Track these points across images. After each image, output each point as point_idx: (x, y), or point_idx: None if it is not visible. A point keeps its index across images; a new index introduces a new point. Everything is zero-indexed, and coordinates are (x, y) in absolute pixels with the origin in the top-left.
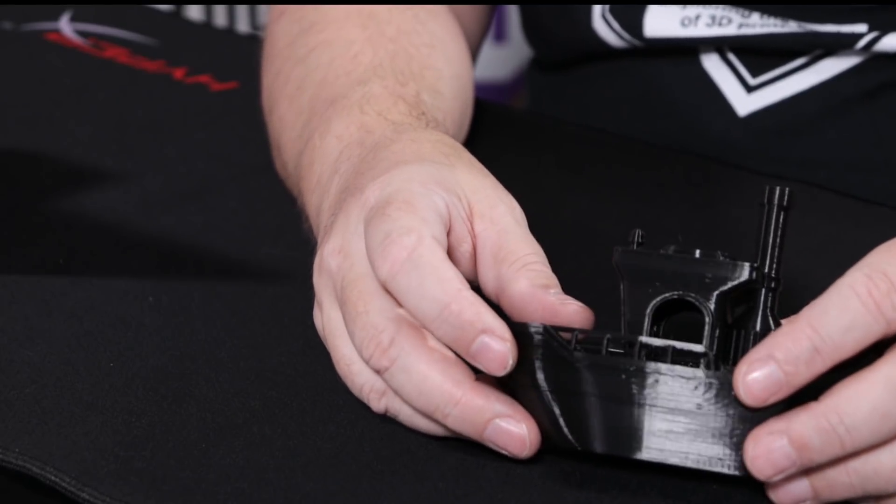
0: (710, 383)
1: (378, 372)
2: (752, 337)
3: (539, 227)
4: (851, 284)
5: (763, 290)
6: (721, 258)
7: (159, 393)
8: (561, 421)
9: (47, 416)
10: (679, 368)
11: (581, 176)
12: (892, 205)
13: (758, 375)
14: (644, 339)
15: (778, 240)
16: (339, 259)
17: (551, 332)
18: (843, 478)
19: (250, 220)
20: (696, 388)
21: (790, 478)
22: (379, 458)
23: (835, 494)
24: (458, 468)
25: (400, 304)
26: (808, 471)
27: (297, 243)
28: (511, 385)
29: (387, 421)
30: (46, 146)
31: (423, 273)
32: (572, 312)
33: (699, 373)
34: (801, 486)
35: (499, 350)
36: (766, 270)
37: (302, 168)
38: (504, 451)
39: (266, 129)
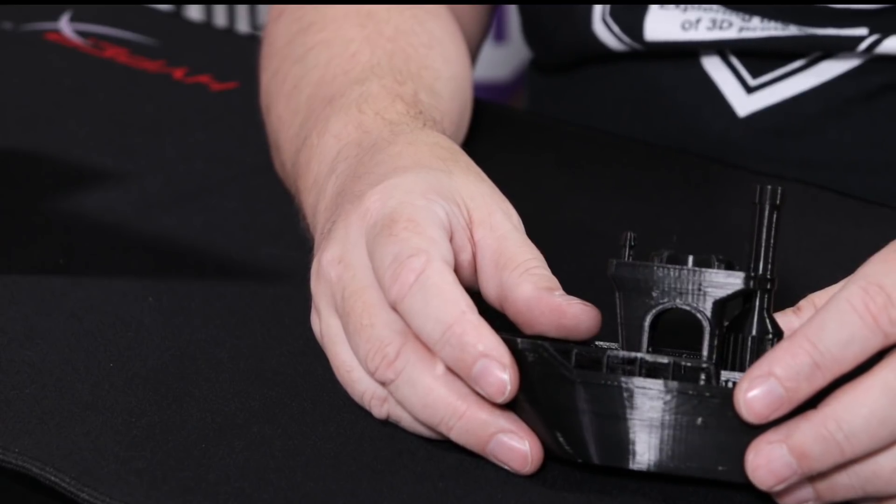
0: (711, 399)
1: (383, 384)
2: (749, 342)
3: (538, 227)
4: (848, 298)
5: (758, 292)
6: (716, 263)
7: (159, 393)
8: (559, 436)
9: (47, 416)
10: (678, 385)
11: (581, 176)
12: (892, 205)
13: (758, 393)
14: (643, 355)
15: (771, 239)
16: (339, 269)
17: (549, 349)
18: (844, 479)
19: (250, 220)
20: (696, 403)
21: None
22: (379, 458)
23: (836, 495)
24: (458, 468)
25: (407, 324)
26: None
27: (297, 243)
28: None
29: (387, 421)
30: (46, 146)
31: (428, 295)
32: (579, 312)
33: (699, 389)
34: (804, 486)
35: (498, 376)
36: (761, 271)
37: (299, 167)
38: (506, 466)
39: (265, 128)
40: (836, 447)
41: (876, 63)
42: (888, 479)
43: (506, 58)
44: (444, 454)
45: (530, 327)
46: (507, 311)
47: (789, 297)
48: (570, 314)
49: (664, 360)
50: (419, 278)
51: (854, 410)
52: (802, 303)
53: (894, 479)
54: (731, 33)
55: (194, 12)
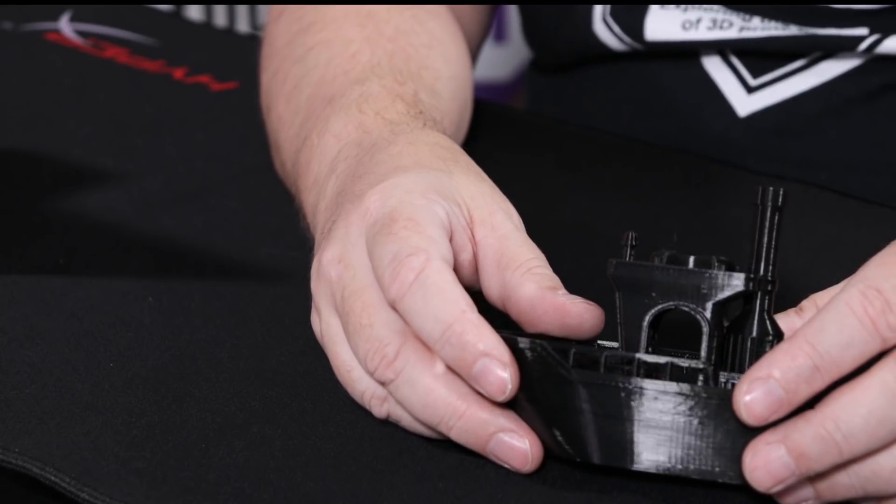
0: (709, 400)
1: (382, 384)
2: (748, 343)
3: (539, 227)
4: (847, 302)
5: (759, 294)
6: (716, 264)
7: (159, 393)
8: (558, 434)
9: (47, 416)
10: (676, 385)
11: (581, 176)
12: (892, 205)
13: (758, 395)
14: (641, 356)
15: (772, 241)
16: (339, 269)
17: (547, 348)
18: (844, 479)
19: (250, 220)
20: (693, 404)
21: None
22: (379, 458)
23: (836, 495)
24: (458, 468)
25: (407, 322)
26: None
27: (297, 243)
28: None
29: (387, 421)
30: (46, 146)
31: (428, 294)
32: (583, 311)
33: (697, 390)
34: (804, 487)
35: (499, 375)
36: (762, 273)
37: (299, 166)
38: (506, 465)
39: (265, 128)
40: (834, 447)
41: (876, 63)
42: (888, 478)
43: (506, 58)
44: (444, 454)
45: (533, 326)
46: (509, 311)
47: (790, 297)
48: (574, 313)
49: (662, 360)
50: (419, 277)
51: (852, 410)
52: (805, 303)
53: (894, 478)
54: (731, 33)
55: (194, 12)
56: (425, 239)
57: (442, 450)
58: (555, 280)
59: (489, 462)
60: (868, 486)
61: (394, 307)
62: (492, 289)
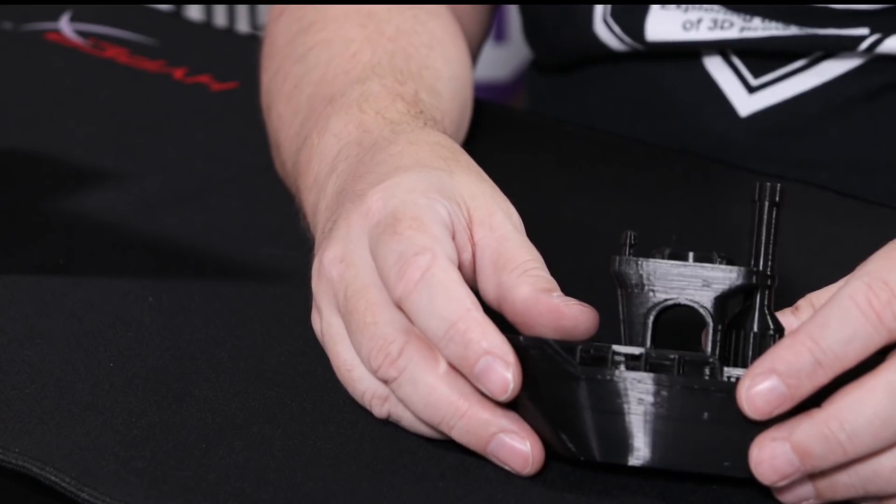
0: (713, 394)
1: (385, 382)
2: (750, 338)
3: (538, 227)
4: (851, 295)
5: (759, 289)
6: (717, 259)
7: (159, 393)
8: (562, 433)
9: (47, 416)
10: (681, 380)
11: (581, 176)
12: (892, 205)
13: (761, 389)
14: (648, 351)
15: (771, 236)
16: (341, 268)
17: (554, 345)
18: (845, 478)
19: (250, 220)
20: (698, 399)
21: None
22: (379, 458)
23: (837, 494)
24: (458, 468)
25: (412, 321)
26: None
27: (297, 243)
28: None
29: (387, 421)
30: (46, 146)
31: (434, 292)
32: (578, 313)
33: (702, 384)
34: (804, 485)
35: (501, 374)
36: (761, 268)
37: (300, 166)
38: (506, 467)
39: (265, 127)
40: (838, 447)
41: (877, 63)
42: (888, 478)
43: (506, 58)
44: (444, 454)
45: (528, 328)
46: (504, 312)
47: (790, 297)
48: (569, 315)
49: (671, 354)
50: (424, 276)
51: (857, 410)
52: (801, 302)
53: (894, 478)
54: (732, 33)
55: (194, 12)
56: (430, 238)
57: (442, 450)
58: (551, 282)
59: (489, 462)
60: (868, 486)
61: (399, 305)
62: (488, 290)
